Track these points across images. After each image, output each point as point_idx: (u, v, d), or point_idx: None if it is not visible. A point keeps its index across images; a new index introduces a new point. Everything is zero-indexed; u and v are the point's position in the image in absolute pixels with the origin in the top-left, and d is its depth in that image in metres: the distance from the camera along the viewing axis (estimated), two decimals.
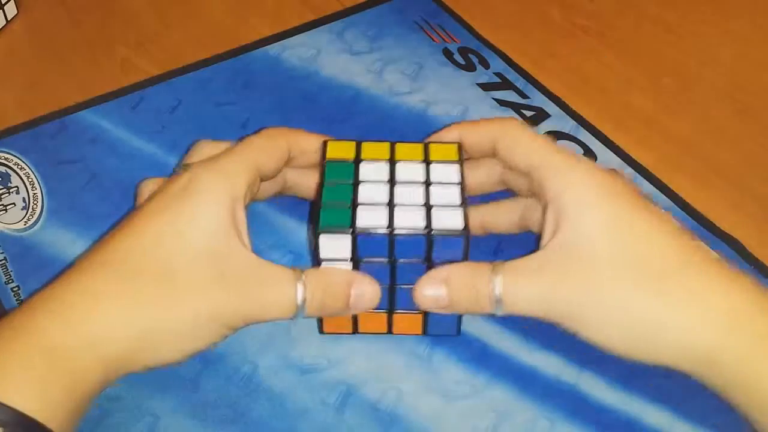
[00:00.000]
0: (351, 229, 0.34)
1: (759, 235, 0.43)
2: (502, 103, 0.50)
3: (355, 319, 0.37)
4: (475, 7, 0.56)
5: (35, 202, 0.45)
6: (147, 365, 0.33)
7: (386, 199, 0.35)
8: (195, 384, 0.37)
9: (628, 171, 0.46)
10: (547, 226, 0.34)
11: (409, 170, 0.37)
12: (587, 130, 0.48)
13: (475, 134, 0.38)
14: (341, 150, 0.38)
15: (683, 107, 0.50)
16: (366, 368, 0.38)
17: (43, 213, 0.44)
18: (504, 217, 0.40)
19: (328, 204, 0.35)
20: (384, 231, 0.34)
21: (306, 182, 0.40)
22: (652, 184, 0.45)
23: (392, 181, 0.36)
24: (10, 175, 0.46)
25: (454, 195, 0.35)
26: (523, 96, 0.50)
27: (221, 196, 0.34)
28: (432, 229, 0.34)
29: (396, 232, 0.34)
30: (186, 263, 0.32)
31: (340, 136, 0.47)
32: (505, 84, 0.51)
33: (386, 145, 0.38)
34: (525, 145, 0.36)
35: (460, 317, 0.37)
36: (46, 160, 0.47)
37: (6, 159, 0.47)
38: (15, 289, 0.41)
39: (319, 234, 0.34)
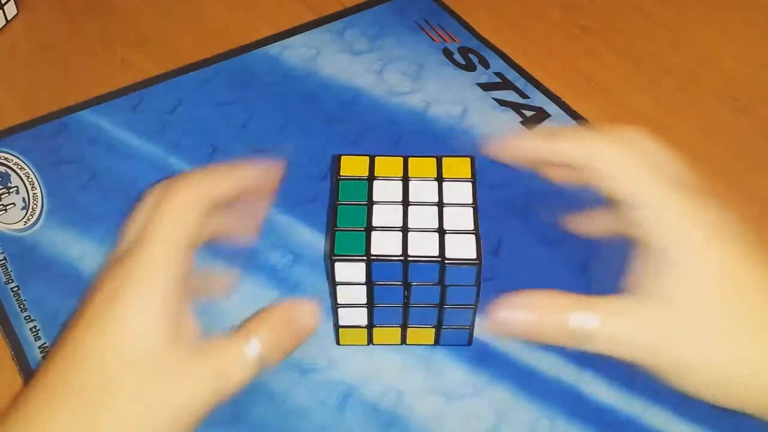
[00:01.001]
0: (365, 256, 0.34)
1: (759, 235, 0.43)
2: (502, 103, 0.50)
3: (370, 332, 0.38)
4: (475, 7, 0.56)
5: (35, 202, 0.45)
6: None
7: (400, 223, 0.35)
8: None
9: None
10: (650, 269, 0.33)
11: (423, 189, 0.36)
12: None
13: (566, 149, 0.35)
14: (354, 166, 0.37)
15: (683, 107, 0.50)
16: (366, 368, 0.38)
17: (43, 213, 0.44)
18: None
19: (343, 228, 0.35)
20: (398, 258, 0.34)
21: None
22: None
23: (405, 202, 0.36)
24: (9, 175, 0.46)
25: (467, 218, 0.35)
26: (523, 96, 0.50)
27: (149, 294, 0.32)
28: (445, 259, 0.34)
29: (410, 259, 0.34)
30: (121, 373, 0.31)
31: (340, 135, 0.48)
32: (505, 84, 0.51)
33: (399, 161, 0.37)
34: (626, 175, 0.34)
35: (472, 327, 0.37)
36: (45, 160, 0.47)
37: (6, 159, 0.47)
38: (15, 289, 0.41)
39: (334, 261, 0.34)
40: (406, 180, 0.37)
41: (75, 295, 0.40)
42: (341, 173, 0.37)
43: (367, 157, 0.38)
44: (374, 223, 0.35)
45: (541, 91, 0.51)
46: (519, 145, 0.35)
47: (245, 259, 0.41)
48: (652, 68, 0.53)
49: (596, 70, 0.52)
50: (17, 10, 0.56)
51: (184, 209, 0.34)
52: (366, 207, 0.36)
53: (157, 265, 0.32)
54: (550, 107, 0.50)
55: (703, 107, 0.50)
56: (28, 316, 0.40)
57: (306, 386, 0.37)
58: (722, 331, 0.32)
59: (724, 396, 0.32)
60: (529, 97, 0.50)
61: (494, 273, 0.41)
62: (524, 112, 0.49)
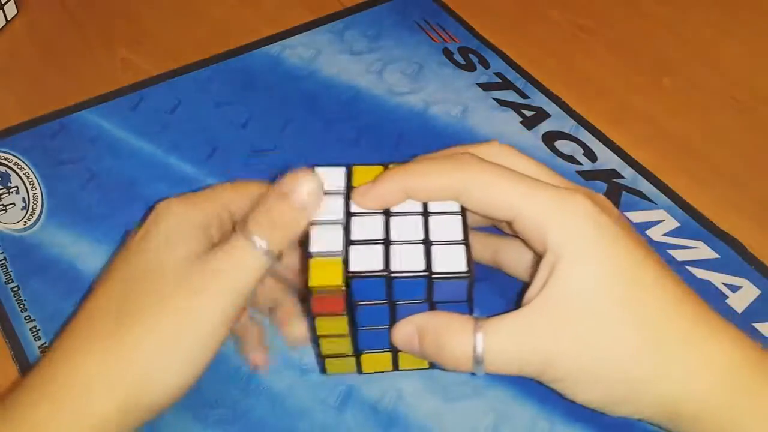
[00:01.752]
0: (344, 284, 0.31)
1: (759, 235, 0.43)
2: (502, 103, 0.50)
3: (359, 361, 0.35)
4: (475, 7, 0.56)
5: (35, 202, 0.45)
6: (156, 401, 0.32)
7: (382, 235, 0.32)
8: (195, 384, 0.37)
9: (628, 171, 0.46)
10: (538, 278, 0.32)
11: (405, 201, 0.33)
12: (587, 130, 0.48)
13: (429, 186, 0.33)
14: (330, 177, 0.34)
15: (683, 107, 0.50)
16: None
17: (43, 213, 0.44)
18: (477, 251, 0.37)
19: (318, 243, 0.32)
20: (380, 273, 0.31)
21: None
22: (652, 184, 0.45)
23: (387, 212, 0.33)
24: (9, 175, 0.46)
25: (455, 228, 0.32)
26: (523, 96, 0.50)
27: (178, 220, 0.33)
28: (433, 273, 0.31)
29: (393, 275, 0.31)
30: (148, 287, 0.32)
31: (340, 136, 0.48)
32: (505, 84, 0.51)
33: (379, 169, 0.34)
34: (500, 192, 0.32)
35: None
36: (45, 160, 0.47)
37: (6, 159, 0.47)
38: (15, 289, 0.41)
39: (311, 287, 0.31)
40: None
41: (75, 295, 0.40)
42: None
43: (344, 168, 0.35)
44: (353, 238, 0.32)
45: (541, 91, 0.51)
46: (383, 191, 0.33)
47: None
48: (652, 68, 0.53)
49: (596, 70, 0.53)
50: (17, 10, 0.56)
51: (243, 183, 0.36)
52: (343, 225, 0.33)
53: (188, 204, 0.34)
54: (550, 107, 0.50)
55: (703, 107, 0.50)
56: (28, 316, 0.40)
57: (306, 386, 0.37)
58: (617, 333, 0.30)
59: (620, 405, 0.32)
60: (529, 97, 0.50)
61: (492, 272, 0.41)
62: (524, 112, 0.49)
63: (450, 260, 0.31)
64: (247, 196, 0.35)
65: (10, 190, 0.45)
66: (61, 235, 0.43)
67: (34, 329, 0.40)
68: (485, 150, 0.34)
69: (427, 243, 0.32)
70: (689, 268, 0.42)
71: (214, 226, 0.34)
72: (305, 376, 0.37)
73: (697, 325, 0.31)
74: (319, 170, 0.34)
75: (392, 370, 0.36)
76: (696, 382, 0.31)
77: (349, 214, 0.33)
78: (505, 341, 0.31)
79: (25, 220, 0.44)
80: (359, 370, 0.36)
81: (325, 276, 0.31)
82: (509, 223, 0.33)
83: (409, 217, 0.33)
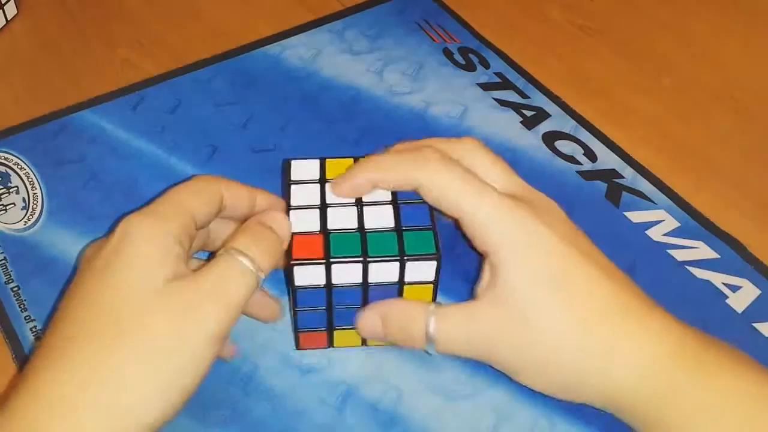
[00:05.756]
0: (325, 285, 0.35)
1: (759, 235, 0.43)
2: (502, 103, 0.50)
3: (330, 335, 0.37)
4: (476, 7, 0.56)
5: (35, 202, 0.45)
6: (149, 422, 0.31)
7: (355, 224, 0.36)
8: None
9: (628, 171, 0.46)
10: (484, 275, 0.35)
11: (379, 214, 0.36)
12: (587, 130, 0.48)
13: (392, 180, 0.36)
14: (305, 168, 0.38)
15: (683, 107, 0.50)
16: (366, 368, 0.38)
17: (43, 213, 0.44)
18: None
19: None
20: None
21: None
22: (652, 183, 0.45)
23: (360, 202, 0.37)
24: (10, 175, 0.46)
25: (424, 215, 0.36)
26: (523, 96, 0.50)
27: (153, 235, 0.33)
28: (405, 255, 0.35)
29: (369, 260, 0.35)
30: (131, 307, 0.31)
31: (340, 136, 0.48)
32: (505, 84, 0.51)
33: (350, 162, 0.38)
34: (450, 194, 0.35)
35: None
36: (46, 160, 0.47)
37: (6, 159, 0.47)
38: (15, 289, 0.41)
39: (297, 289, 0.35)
40: (360, 205, 0.37)
41: None
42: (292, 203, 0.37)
43: (317, 160, 0.38)
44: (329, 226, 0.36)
45: (541, 91, 0.51)
46: (354, 183, 0.37)
47: None
48: (652, 68, 0.53)
49: (596, 70, 0.53)
50: (17, 10, 0.56)
51: (201, 187, 0.36)
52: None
53: (157, 219, 0.34)
54: (550, 107, 0.50)
55: (703, 107, 0.50)
56: (29, 316, 0.40)
57: (306, 386, 0.37)
58: (550, 329, 0.33)
59: (565, 393, 0.34)
60: (529, 97, 0.50)
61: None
62: (524, 112, 0.49)
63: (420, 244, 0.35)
64: (207, 201, 0.35)
65: (11, 190, 0.46)
66: (62, 236, 0.43)
67: (34, 329, 0.40)
68: (453, 146, 0.37)
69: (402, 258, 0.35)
70: (689, 268, 0.42)
71: (184, 235, 0.34)
72: (305, 376, 0.38)
73: (627, 320, 0.33)
74: (295, 163, 0.38)
75: (361, 345, 0.38)
76: (626, 374, 0.33)
77: (324, 205, 0.36)
78: (454, 327, 0.35)
79: (25, 220, 0.44)
80: (330, 344, 0.38)
81: (305, 225, 0.36)
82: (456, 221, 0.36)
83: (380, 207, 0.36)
